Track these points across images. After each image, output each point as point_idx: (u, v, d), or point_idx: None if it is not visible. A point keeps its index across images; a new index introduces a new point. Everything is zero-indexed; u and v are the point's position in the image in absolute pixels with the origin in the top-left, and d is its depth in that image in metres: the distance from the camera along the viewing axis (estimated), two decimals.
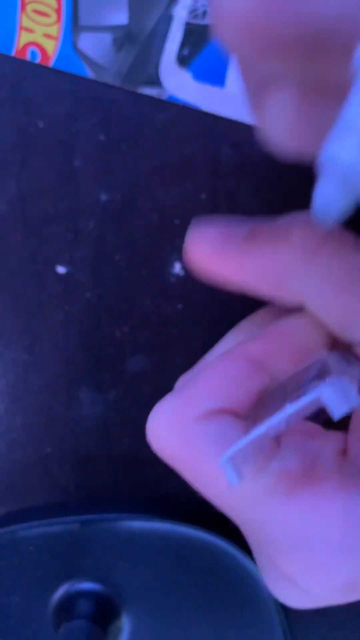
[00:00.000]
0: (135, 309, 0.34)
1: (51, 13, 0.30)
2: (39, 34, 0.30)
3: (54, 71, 0.31)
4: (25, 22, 0.30)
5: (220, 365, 0.24)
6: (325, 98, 0.15)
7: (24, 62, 0.31)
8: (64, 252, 0.34)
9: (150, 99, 0.31)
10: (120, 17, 0.30)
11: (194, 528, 0.35)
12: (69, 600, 0.36)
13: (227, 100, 0.30)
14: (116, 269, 0.34)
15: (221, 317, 0.33)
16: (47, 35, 0.30)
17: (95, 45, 0.30)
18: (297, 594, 0.24)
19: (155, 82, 0.31)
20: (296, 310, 0.24)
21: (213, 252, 0.23)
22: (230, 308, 0.32)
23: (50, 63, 0.30)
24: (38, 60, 0.30)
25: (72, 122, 0.32)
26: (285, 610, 0.37)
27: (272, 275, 0.23)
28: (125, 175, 0.33)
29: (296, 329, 0.24)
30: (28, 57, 0.30)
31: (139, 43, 0.30)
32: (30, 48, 0.30)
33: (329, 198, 0.16)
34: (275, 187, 0.32)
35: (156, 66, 0.30)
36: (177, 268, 0.33)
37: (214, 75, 0.30)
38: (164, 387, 0.29)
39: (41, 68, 0.31)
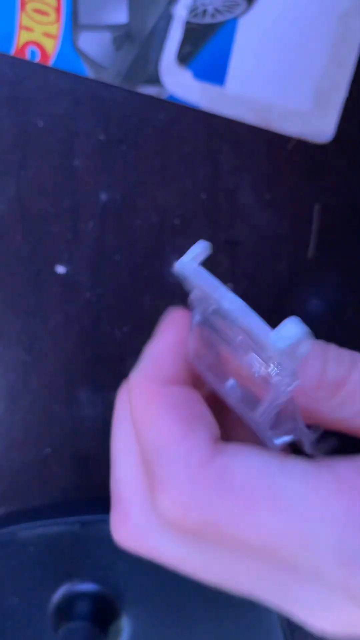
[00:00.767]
0: (135, 309, 0.34)
1: (51, 12, 0.30)
2: (39, 33, 0.30)
3: (54, 71, 0.31)
4: (24, 21, 0.30)
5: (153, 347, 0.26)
6: None
7: (24, 62, 0.31)
8: (63, 252, 0.34)
9: (150, 98, 0.31)
10: (120, 16, 0.30)
11: None
12: (69, 601, 0.36)
13: (227, 99, 0.30)
14: (116, 269, 0.34)
15: None
16: (47, 34, 0.30)
17: (95, 44, 0.30)
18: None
19: (155, 81, 0.30)
20: None
21: None
22: None
23: (50, 62, 0.30)
24: (37, 59, 0.30)
25: (72, 121, 0.32)
26: None
27: None
28: (125, 175, 0.33)
29: None
30: (27, 56, 0.30)
31: (139, 42, 0.30)
32: (30, 47, 0.30)
33: None
34: (275, 187, 0.32)
35: (156, 65, 0.30)
36: None
37: (214, 74, 0.30)
38: None
39: (41, 68, 0.31)
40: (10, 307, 0.34)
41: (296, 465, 0.22)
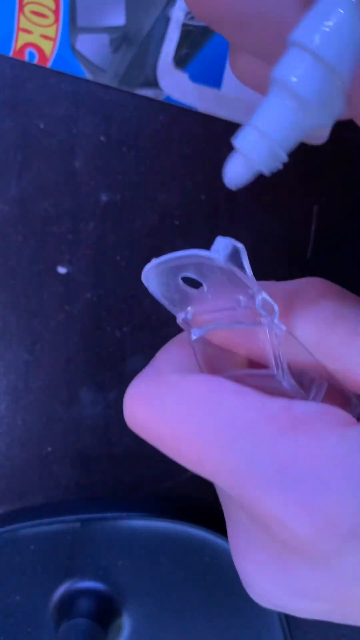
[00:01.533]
0: (135, 309, 0.34)
1: (49, 14, 0.30)
2: (37, 35, 0.30)
3: (54, 73, 0.31)
4: (23, 23, 0.30)
5: (173, 343, 0.25)
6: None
7: (25, 64, 0.31)
8: (64, 253, 0.34)
9: (151, 100, 0.31)
10: (118, 18, 0.30)
11: (194, 527, 0.35)
12: (70, 599, 0.36)
13: (224, 101, 0.30)
14: (116, 269, 0.34)
15: None
16: (45, 37, 0.30)
17: (92, 47, 0.30)
18: (276, 575, 0.22)
19: (153, 83, 0.31)
20: None
21: None
22: None
23: (48, 64, 0.31)
24: (35, 61, 0.30)
25: (73, 123, 0.32)
26: None
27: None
28: (125, 176, 0.33)
29: None
30: (26, 58, 0.30)
31: (136, 44, 0.30)
32: (28, 49, 0.30)
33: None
34: (275, 187, 0.32)
35: (153, 67, 0.30)
36: None
37: (211, 77, 0.30)
38: None
39: (42, 70, 0.31)
40: (11, 307, 0.35)
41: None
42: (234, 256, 0.20)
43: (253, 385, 0.23)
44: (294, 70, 0.18)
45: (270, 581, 0.22)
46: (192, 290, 0.22)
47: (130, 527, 0.36)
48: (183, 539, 0.36)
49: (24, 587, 0.36)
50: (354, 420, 0.22)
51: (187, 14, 0.29)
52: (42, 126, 0.32)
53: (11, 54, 0.30)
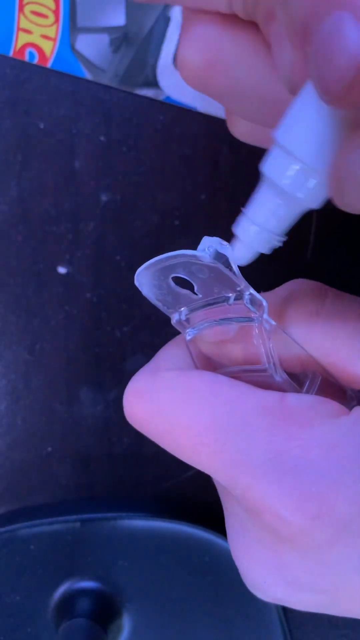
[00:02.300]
0: (135, 309, 0.35)
1: (49, 14, 0.30)
2: (37, 35, 0.30)
3: (54, 73, 0.31)
4: (23, 23, 0.30)
5: (172, 343, 0.26)
6: None
7: (25, 64, 0.31)
8: (64, 253, 0.34)
9: (150, 100, 0.31)
10: (118, 18, 0.30)
11: (194, 527, 0.35)
12: (70, 599, 0.36)
13: None
14: (116, 269, 0.34)
15: None
16: (45, 37, 0.30)
17: (92, 47, 0.30)
18: (269, 567, 0.22)
19: (153, 83, 0.31)
20: None
21: None
22: None
23: (48, 64, 0.31)
24: (35, 61, 0.30)
25: (73, 123, 0.32)
26: (285, 609, 0.37)
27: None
28: (125, 176, 0.33)
29: None
30: (26, 58, 0.30)
31: (136, 44, 0.30)
32: (28, 49, 0.30)
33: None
34: None
35: (153, 67, 0.30)
36: None
37: None
38: None
39: (42, 70, 0.31)
40: (11, 307, 0.35)
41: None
42: (221, 255, 0.21)
43: (247, 380, 0.23)
44: (281, 172, 0.19)
45: (266, 572, 0.22)
46: (184, 291, 0.23)
47: (130, 527, 0.36)
48: (183, 539, 0.36)
49: (24, 587, 0.36)
50: (347, 410, 0.22)
51: None
52: (42, 126, 0.32)
53: (11, 54, 0.30)
